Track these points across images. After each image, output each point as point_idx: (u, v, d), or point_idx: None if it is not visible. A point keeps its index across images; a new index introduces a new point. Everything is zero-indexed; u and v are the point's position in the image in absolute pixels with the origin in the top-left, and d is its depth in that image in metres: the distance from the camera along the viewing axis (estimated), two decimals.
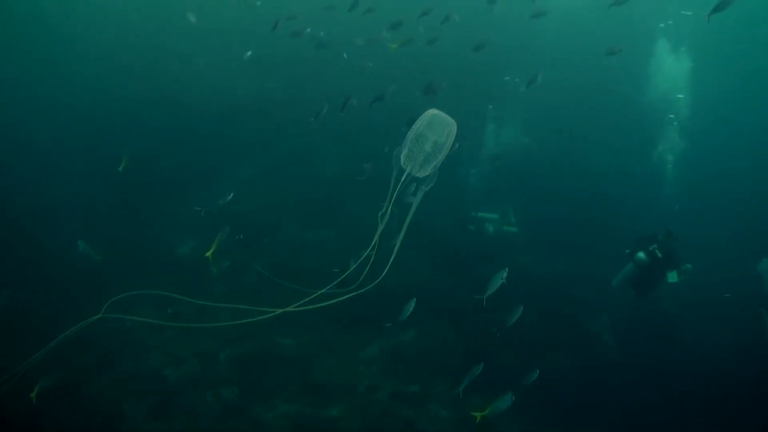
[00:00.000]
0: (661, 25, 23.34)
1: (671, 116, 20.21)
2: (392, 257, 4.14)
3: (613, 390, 9.95)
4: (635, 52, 18.47)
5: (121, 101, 17.01)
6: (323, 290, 4.21)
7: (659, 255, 10.48)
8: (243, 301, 11.40)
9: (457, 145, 4.52)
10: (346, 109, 9.39)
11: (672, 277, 10.55)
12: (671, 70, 21.12)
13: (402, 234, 4.34)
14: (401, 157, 4.35)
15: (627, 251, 11.02)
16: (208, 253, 9.15)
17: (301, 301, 4.29)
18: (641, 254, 10.62)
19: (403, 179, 4.31)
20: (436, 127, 4.36)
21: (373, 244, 4.28)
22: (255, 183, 15.64)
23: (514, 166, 14.56)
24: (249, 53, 14.18)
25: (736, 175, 21.02)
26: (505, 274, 7.56)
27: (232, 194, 10.15)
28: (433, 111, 4.40)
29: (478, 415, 7.74)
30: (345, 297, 4.18)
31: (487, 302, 7.73)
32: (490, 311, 11.51)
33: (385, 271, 4.12)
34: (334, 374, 9.91)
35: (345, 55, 11.63)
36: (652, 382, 10.19)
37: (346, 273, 4.36)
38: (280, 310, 4.32)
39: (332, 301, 4.19)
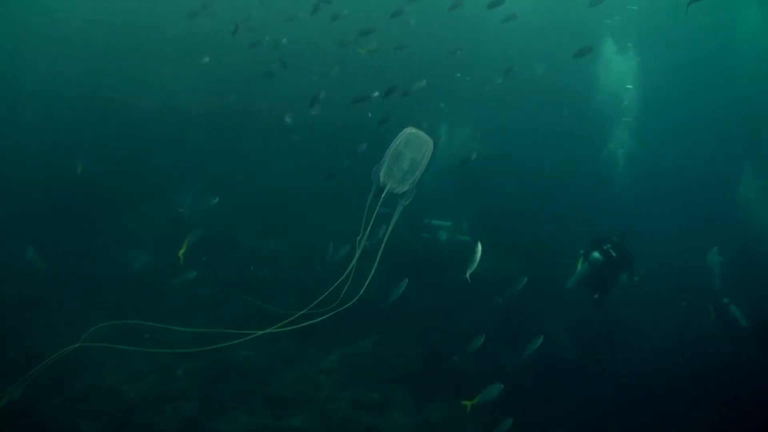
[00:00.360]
0: (607, 21, 24.14)
1: (629, 86, 21.00)
2: (374, 268, 4.47)
3: (571, 388, 10.49)
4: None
5: (71, 111, 16.80)
6: (304, 311, 4.51)
7: (614, 254, 11.02)
8: (200, 313, 11.62)
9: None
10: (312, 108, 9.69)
11: (623, 277, 11.15)
12: (620, 68, 21.86)
13: (381, 248, 4.67)
14: (381, 174, 4.73)
15: (581, 252, 11.52)
16: (180, 253, 9.24)
17: (283, 322, 4.58)
18: (596, 254, 11.09)
19: (383, 195, 4.67)
20: (413, 146, 4.76)
21: (352, 265, 4.60)
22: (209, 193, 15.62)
23: (468, 173, 14.95)
24: (206, 59, 14.24)
25: (684, 169, 21.91)
26: (479, 248, 7.94)
27: (217, 198, 10.24)
28: (410, 130, 4.79)
29: (468, 403, 8.08)
30: (325, 317, 4.49)
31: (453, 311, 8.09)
32: (450, 317, 12.11)
33: (365, 284, 4.45)
34: (294, 385, 10.13)
35: (369, 114, 11.81)
36: (608, 379, 10.81)
37: (330, 289, 4.65)
38: (261, 332, 4.60)
39: (313, 321, 4.49)
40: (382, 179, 4.73)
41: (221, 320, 11.31)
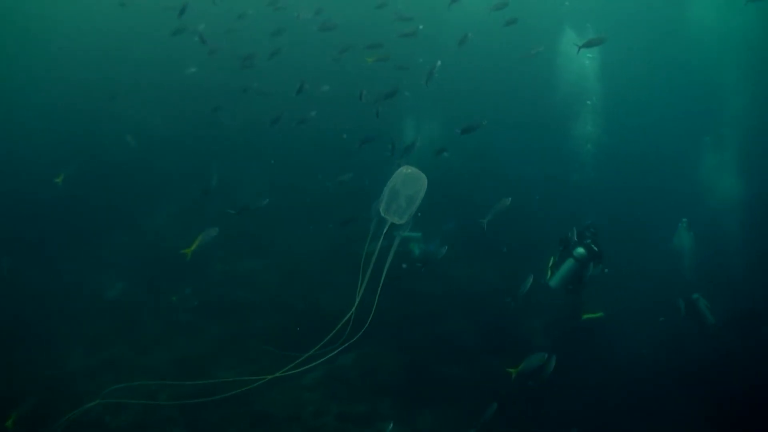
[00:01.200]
0: (566, 2, 24.77)
1: (590, 56, 21.60)
2: (377, 295, 4.92)
3: (552, 391, 11.03)
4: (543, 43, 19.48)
5: (42, 127, 16.74)
6: (311, 352, 4.91)
7: (595, 249, 11.65)
8: (182, 340, 11.90)
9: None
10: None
11: (596, 270, 11.77)
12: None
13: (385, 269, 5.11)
14: (380, 209, 5.32)
15: (560, 248, 12.06)
16: (188, 250, 9.40)
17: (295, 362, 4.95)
18: (580, 249, 11.69)
19: (385, 230, 5.19)
20: (409, 183, 5.38)
21: (351, 313, 5.01)
22: (182, 215, 15.91)
23: (438, 183, 15.29)
24: (193, 69, 14.42)
25: (647, 150, 22.62)
26: (508, 201, 8.48)
27: (267, 200, 10.51)
28: (406, 170, 5.40)
29: (513, 371, 8.58)
30: (331, 355, 4.90)
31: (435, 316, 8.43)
32: (428, 326, 12.60)
33: (371, 316, 4.88)
34: (279, 404, 10.53)
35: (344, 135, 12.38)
36: (589, 381, 11.25)
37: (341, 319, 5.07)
38: (271, 377, 4.99)
39: (320, 361, 4.90)
40: (382, 214, 5.31)
41: (203, 344, 11.67)
